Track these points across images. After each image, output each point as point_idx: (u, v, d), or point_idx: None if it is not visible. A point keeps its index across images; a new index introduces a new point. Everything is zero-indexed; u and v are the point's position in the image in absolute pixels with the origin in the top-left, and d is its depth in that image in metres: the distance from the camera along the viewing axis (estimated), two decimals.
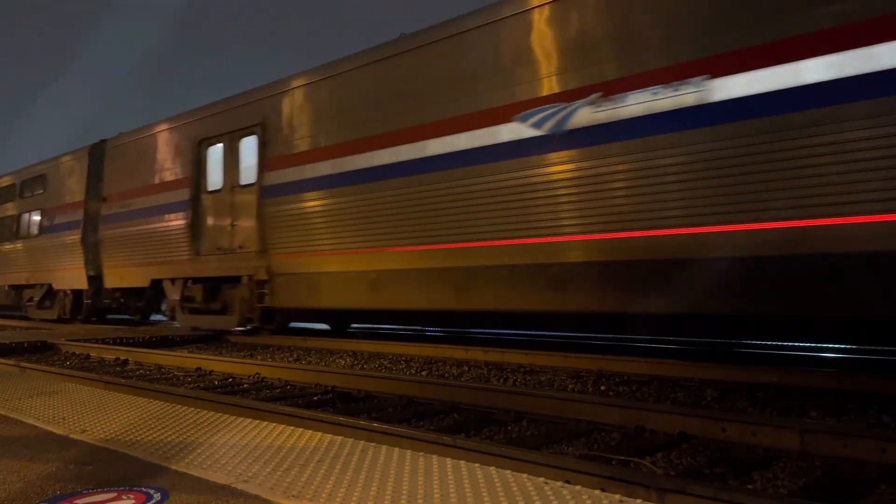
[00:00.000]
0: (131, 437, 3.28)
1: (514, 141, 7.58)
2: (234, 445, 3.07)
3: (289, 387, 6.78)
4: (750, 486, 3.40)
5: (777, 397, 5.75)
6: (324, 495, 2.34)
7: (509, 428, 4.80)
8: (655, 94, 6.57)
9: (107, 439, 3.24)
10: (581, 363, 7.65)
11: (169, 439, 3.21)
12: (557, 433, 4.55)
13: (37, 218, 16.16)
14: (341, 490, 2.40)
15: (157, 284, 12.45)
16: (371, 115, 9.07)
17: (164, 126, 12.67)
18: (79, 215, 14.48)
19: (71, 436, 3.33)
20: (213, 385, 7.06)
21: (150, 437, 3.26)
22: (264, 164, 10.35)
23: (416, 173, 8.42)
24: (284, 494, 2.36)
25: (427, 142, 8.36)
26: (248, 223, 10.57)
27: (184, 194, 11.66)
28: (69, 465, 2.80)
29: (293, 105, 10.20)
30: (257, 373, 7.39)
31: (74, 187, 14.95)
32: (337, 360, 8.87)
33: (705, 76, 6.29)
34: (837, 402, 5.45)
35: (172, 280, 12.08)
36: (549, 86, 7.45)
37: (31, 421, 3.72)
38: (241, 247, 10.72)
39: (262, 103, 10.67)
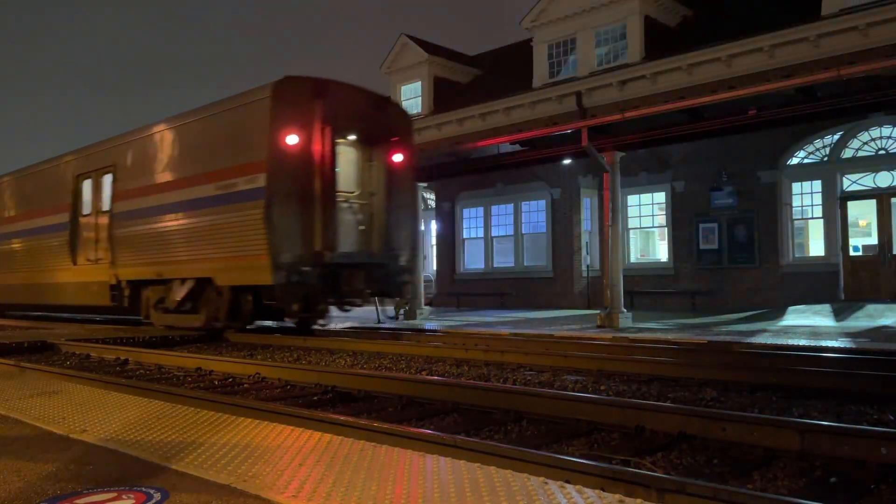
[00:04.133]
0: (131, 437, 3.28)
1: None
2: (234, 445, 3.06)
3: (289, 387, 6.78)
4: (750, 486, 3.40)
5: (777, 397, 5.75)
6: (323, 495, 2.34)
7: (509, 428, 4.80)
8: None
9: (107, 439, 3.23)
10: (581, 363, 7.65)
11: (169, 439, 3.21)
12: (557, 433, 4.55)
13: None
14: (341, 490, 2.40)
15: None
16: None
17: None
18: None
19: (71, 436, 3.33)
20: (213, 385, 7.05)
21: (150, 437, 3.26)
22: None
23: None
24: (284, 494, 2.36)
25: None
26: None
27: None
28: (69, 465, 2.80)
29: None
30: (257, 373, 7.39)
31: None
32: (337, 360, 8.87)
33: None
34: (837, 402, 5.45)
35: None
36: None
37: (31, 421, 3.72)
38: None
39: None
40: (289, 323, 13.09)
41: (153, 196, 12.47)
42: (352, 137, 11.48)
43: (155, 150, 12.83)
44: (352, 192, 11.58)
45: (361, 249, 11.48)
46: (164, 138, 12.68)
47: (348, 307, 11.76)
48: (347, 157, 11.51)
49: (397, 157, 11.91)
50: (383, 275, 11.63)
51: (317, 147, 10.75)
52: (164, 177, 12.40)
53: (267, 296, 10.71)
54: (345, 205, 11.35)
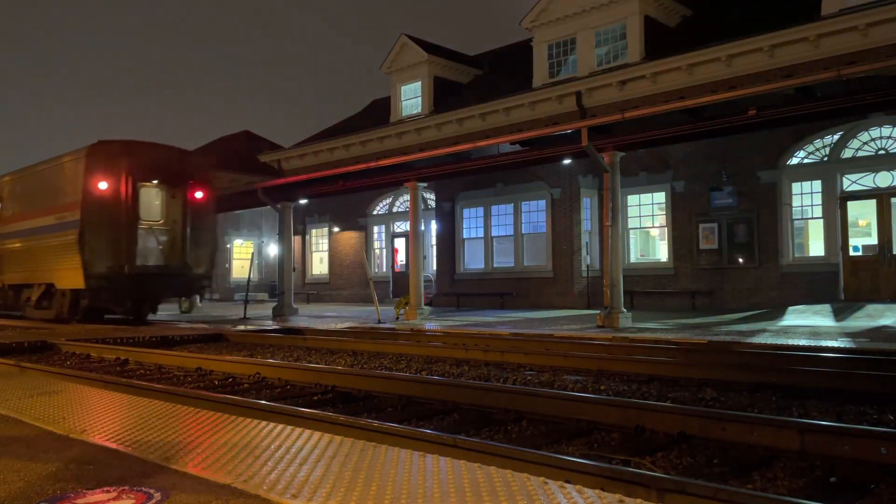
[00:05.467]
0: (131, 437, 3.28)
1: None
2: (234, 445, 3.06)
3: (289, 387, 6.78)
4: (750, 486, 3.40)
5: (777, 397, 5.76)
6: (323, 495, 2.34)
7: (509, 428, 4.80)
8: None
9: (107, 439, 3.23)
10: (581, 363, 7.66)
11: (169, 439, 3.21)
12: (557, 433, 4.55)
13: None
14: (341, 490, 2.40)
15: None
16: None
17: None
18: None
19: (71, 436, 3.33)
20: (213, 385, 7.06)
21: (150, 437, 3.26)
22: None
23: None
24: (284, 494, 2.36)
25: None
26: None
27: None
28: (69, 465, 2.80)
29: None
30: (257, 373, 7.39)
31: None
32: (337, 360, 8.87)
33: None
34: (837, 402, 5.45)
35: None
36: None
37: (31, 421, 3.72)
38: None
39: None
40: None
41: (22, 222, 17.05)
42: (155, 181, 15.57)
43: (24, 187, 17.44)
44: (157, 221, 15.60)
45: (161, 263, 15.61)
46: (30, 178, 17.24)
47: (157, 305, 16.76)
48: (153, 196, 15.60)
49: (198, 194, 16.09)
50: (180, 281, 15.88)
51: (122, 190, 14.96)
52: (28, 208, 16.98)
53: (84, 296, 14.94)
54: (149, 230, 15.41)
